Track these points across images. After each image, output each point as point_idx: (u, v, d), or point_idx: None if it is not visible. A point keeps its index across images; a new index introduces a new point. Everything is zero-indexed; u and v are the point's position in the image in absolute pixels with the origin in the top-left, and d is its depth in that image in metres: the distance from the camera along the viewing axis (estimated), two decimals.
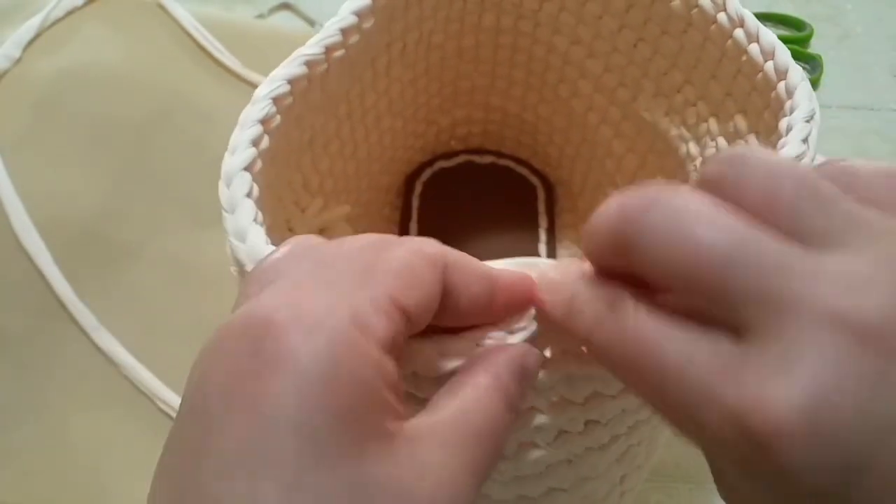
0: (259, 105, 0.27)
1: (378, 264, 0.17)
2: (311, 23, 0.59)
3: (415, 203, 0.46)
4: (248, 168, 0.25)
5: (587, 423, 0.23)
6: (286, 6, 0.60)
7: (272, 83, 0.28)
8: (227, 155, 0.25)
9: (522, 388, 0.19)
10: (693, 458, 0.39)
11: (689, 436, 0.16)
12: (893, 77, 0.57)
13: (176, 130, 0.49)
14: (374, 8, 0.32)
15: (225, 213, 0.23)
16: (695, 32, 0.33)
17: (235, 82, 0.53)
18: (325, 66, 0.30)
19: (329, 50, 0.30)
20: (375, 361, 0.16)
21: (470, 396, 0.18)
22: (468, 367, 0.19)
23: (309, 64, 0.29)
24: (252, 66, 0.53)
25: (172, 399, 0.41)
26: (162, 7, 0.55)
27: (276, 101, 0.27)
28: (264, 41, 0.55)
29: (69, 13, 0.53)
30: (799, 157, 0.25)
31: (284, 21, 0.60)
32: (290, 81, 0.28)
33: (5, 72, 0.50)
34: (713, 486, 0.17)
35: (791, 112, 0.27)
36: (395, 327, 0.17)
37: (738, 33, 0.30)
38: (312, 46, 0.30)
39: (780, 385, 0.13)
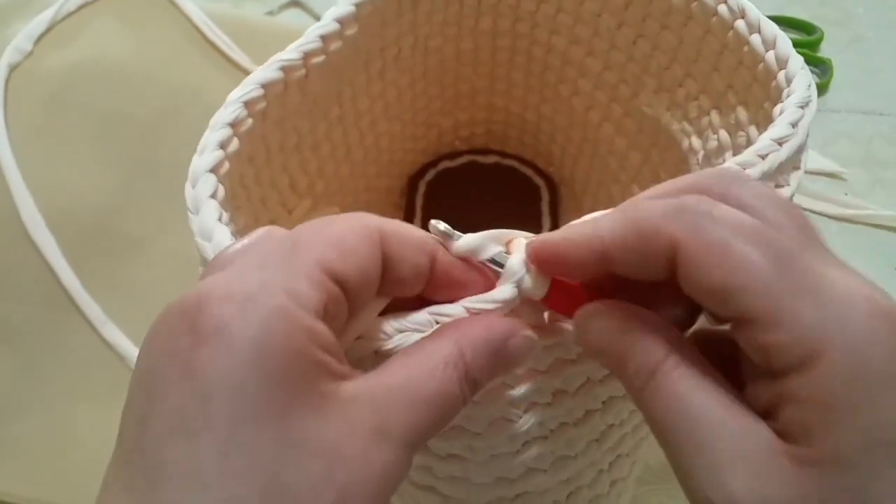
0: (230, 108, 0.27)
1: (312, 238, 0.18)
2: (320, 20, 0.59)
3: (418, 202, 0.46)
4: (213, 170, 0.25)
5: (555, 393, 0.23)
6: (295, 3, 0.60)
7: (244, 87, 0.28)
8: (195, 156, 0.25)
9: (492, 365, 0.19)
10: None
11: None
12: None
13: (184, 126, 0.50)
14: (357, 15, 0.32)
15: (190, 214, 0.24)
16: (695, 26, 0.33)
17: (245, 78, 0.53)
18: (303, 71, 0.30)
19: (307, 56, 0.30)
20: (307, 327, 0.17)
21: (423, 364, 0.18)
22: (437, 333, 0.20)
23: (285, 69, 0.29)
24: (261, 62, 0.53)
25: None
26: (172, 3, 0.55)
27: (247, 104, 0.28)
28: (273, 38, 0.55)
29: (80, 7, 0.54)
30: (782, 140, 0.25)
31: (294, 18, 0.60)
32: (264, 86, 0.28)
33: (17, 65, 0.51)
34: None
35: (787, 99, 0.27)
36: (327, 295, 0.17)
37: (740, 24, 0.30)
38: (290, 52, 0.30)
39: None
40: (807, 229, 0.19)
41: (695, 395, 0.18)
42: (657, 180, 0.28)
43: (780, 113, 0.26)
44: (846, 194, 0.51)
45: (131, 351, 0.43)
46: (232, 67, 0.54)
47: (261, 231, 0.20)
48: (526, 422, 0.23)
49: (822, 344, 0.16)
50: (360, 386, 0.17)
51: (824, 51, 0.58)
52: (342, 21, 0.31)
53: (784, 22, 0.59)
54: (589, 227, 0.20)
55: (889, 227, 0.49)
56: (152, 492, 0.15)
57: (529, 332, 0.20)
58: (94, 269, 0.45)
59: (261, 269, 0.17)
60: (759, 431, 0.17)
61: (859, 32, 0.59)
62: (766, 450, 0.17)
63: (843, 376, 0.16)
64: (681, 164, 0.36)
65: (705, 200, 0.18)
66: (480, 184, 0.47)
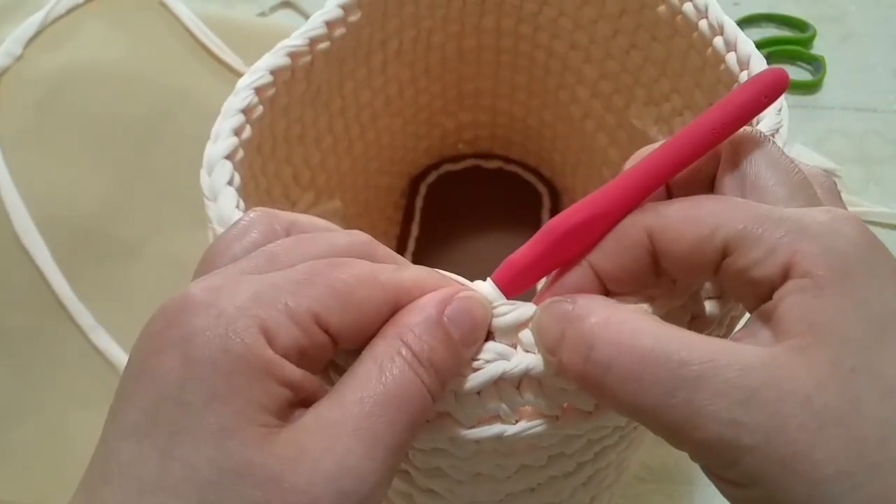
0: (241, 95, 0.27)
1: (322, 278, 0.18)
2: None
3: (418, 204, 0.46)
4: (229, 157, 0.25)
5: (551, 456, 0.23)
6: (287, 4, 0.61)
7: (254, 74, 0.28)
8: (209, 143, 0.25)
9: (440, 341, 0.18)
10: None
11: None
12: None
13: (177, 129, 0.50)
14: (360, 2, 0.33)
15: (207, 201, 0.24)
16: (680, 39, 0.33)
17: (237, 80, 0.52)
18: (308, 57, 0.31)
19: (313, 42, 0.31)
20: (267, 361, 0.17)
21: (370, 370, 0.18)
22: (378, 335, 0.19)
23: (292, 55, 0.30)
24: (253, 64, 0.53)
25: None
26: (164, 5, 0.55)
27: (258, 91, 0.28)
28: (266, 39, 0.54)
29: (71, 10, 0.54)
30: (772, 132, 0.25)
31: (286, 19, 0.60)
32: (273, 72, 0.29)
33: (7, 69, 0.50)
34: (713, 488, 0.17)
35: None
36: (307, 340, 0.17)
37: (718, 41, 0.29)
38: (296, 38, 0.30)
39: None
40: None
41: (643, 335, 0.17)
42: None
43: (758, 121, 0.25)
44: (840, 191, 0.51)
45: (122, 358, 0.43)
46: (224, 69, 0.54)
47: (258, 216, 0.20)
48: (514, 484, 0.23)
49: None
50: (313, 415, 0.17)
51: (817, 48, 0.59)
52: (345, 7, 0.32)
53: (777, 19, 0.60)
54: (581, 266, 0.20)
55: (884, 223, 0.50)
56: (100, 486, 0.16)
57: (467, 293, 0.20)
58: (85, 275, 0.45)
59: (259, 285, 0.17)
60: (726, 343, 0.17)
61: (852, 29, 0.60)
62: (749, 352, 0.17)
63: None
64: None
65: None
66: (482, 188, 0.47)
